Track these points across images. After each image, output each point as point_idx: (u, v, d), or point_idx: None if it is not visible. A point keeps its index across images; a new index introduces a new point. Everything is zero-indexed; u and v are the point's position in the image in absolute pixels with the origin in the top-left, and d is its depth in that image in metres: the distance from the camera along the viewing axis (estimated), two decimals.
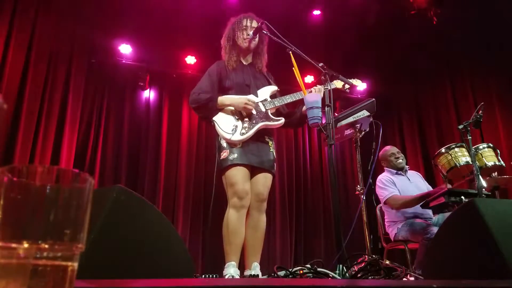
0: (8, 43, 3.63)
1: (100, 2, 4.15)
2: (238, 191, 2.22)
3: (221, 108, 2.36)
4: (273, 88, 2.51)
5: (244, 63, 2.55)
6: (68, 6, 4.12)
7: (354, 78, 2.66)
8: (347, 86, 2.45)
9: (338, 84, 2.44)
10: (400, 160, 3.36)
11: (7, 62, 3.58)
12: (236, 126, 2.30)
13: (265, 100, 2.42)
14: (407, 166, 3.43)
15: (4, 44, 3.59)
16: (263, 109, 2.38)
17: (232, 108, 2.34)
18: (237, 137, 2.26)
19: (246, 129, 2.29)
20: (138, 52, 4.70)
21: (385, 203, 3.21)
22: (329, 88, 2.01)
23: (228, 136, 2.26)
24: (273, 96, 2.48)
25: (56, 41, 4.09)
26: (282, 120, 2.39)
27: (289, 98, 2.42)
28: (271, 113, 2.40)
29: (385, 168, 3.44)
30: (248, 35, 2.45)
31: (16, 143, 3.51)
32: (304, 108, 2.45)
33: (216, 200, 2.35)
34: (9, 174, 0.38)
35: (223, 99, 2.36)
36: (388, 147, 3.49)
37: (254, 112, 2.35)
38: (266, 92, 2.46)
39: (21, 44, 3.73)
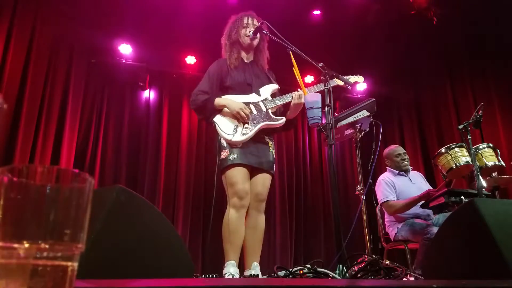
0: (8, 43, 3.62)
1: (100, 2, 4.14)
2: (238, 191, 2.22)
3: (219, 109, 2.36)
4: (274, 86, 2.50)
5: (246, 61, 2.54)
6: (68, 6, 4.11)
7: (356, 75, 2.67)
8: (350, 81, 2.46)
9: (339, 81, 2.43)
10: (406, 162, 3.35)
11: (7, 62, 3.57)
12: (237, 127, 2.29)
13: (266, 99, 2.41)
14: (410, 167, 3.43)
15: (4, 44, 3.59)
16: (264, 109, 2.37)
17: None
18: (238, 137, 2.26)
19: (247, 129, 2.28)
20: (138, 52, 4.70)
21: (380, 205, 3.23)
22: (329, 87, 2.00)
23: (229, 137, 2.26)
24: (273, 95, 2.48)
25: (56, 41, 4.09)
26: (283, 120, 2.38)
27: (289, 97, 2.41)
28: (272, 112, 2.39)
29: (387, 167, 3.43)
30: (250, 31, 2.45)
31: (16, 143, 3.51)
32: (288, 113, 2.46)
33: (217, 200, 2.35)
34: (9, 174, 0.38)
35: (220, 100, 2.35)
36: (394, 146, 3.47)
37: (254, 112, 2.34)
38: (267, 91, 2.45)
39: (21, 44, 3.73)
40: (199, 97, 2.35)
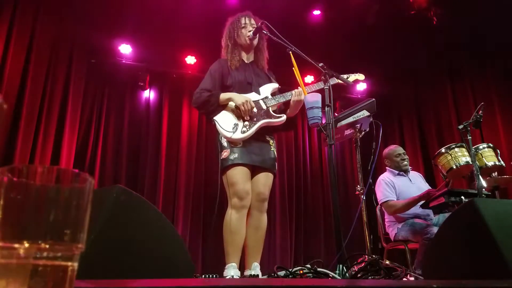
0: (8, 43, 3.63)
1: (100, 2, 4.14)
2: (238, 191, 2.21)
3: (223, 104, 2.35)
4: (274, 85, 2.51)
5: (246, 61, 2.55)
6: (68, 6, 4.11)
7: (357, 73, 2.67)
8: (350, 79, 2.47)
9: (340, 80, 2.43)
10: (406, 162, 3.34)
11: (7, 62, 3.57)
12: (237, 124, 2.29)
13: (266, 97, 2.41)
14: (410, 167, 3.43)
15: (4, 44, 3.59)
16: (264, 107, 2.37)
17: (233, 107, 2.33)
18: (238, 135, 2.25)
19: (247, 127, 2.28)
20: (138, 52, 4.70)
21: (380, 205, 3.23)
22: (329, 87, 2.00)
23: (229, 135, 2.25)
24: (273, 93, 2.48)
25: (56, 41, 4.09)
26: (283, 117, 2.38)
27: (289, 95, 2.42)
28: (272, 111, 2.39)
29: (387, 168, 3.43)
30: (250, 31, 2.45)
31: (16, 143, 3.51)
32: (288, 111, 2.46)
33: (219, 200, 2.35)
34: (9, 174, 0.38)
35: (225, 94, 2.34)
36: (393, 147, 3.47)
37: (255, 110, 2.34)
38: (267, 89, 2.46)
39: (21, 44, 3.73)
40: (202, 94, 2.35)
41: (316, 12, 4.70)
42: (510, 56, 4.16)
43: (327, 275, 1.53)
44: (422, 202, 2.96)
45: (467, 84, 4.66)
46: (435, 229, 2.80)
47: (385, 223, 3.32)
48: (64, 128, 4.02)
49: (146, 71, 4.74)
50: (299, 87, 2.37)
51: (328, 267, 1.63)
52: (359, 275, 1.57)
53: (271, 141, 2.44)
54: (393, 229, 3.19)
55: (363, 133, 2.53)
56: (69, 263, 0.40)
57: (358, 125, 2.49)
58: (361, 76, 2.66)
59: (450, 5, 4.31)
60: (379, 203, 3.23)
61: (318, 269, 1.57)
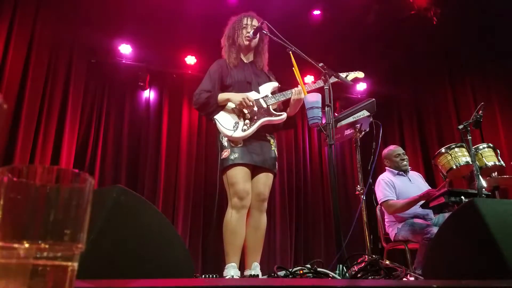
0: (8, 43, 3.63)
1: (100, 2, 4.14)
2: (238, 191, 2.21)
3: (223, 105, 2.35)
4: (274, 84, 2.51)
5: (245, 61, 2.55)
6: (68, 6, 4.12)
7: (356, 71, 2.67)
8: (350, 77, 2.47)
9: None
10: (405, 162, 3.34)
11: (7, 62, 3.57)
12: (238, 123, 2.29)
13: (266, 96, 2.41)
14: (409, 167, 3.43)
15: (4, 44, 3.59)
16: (265, 105, 2.37)
17: (233, 106, 2.33)
18: (238, 133, 2.25)
19: (248, 125, 2.27)
20: (138, 52, 4.70)
21: (380, 205, 3.23)
22: (329, 87, 2.00)
23: (229, 133, 2.25)
24: (273, 92, 2.48)
25: (56, 41, 4.09)
26: (284, 115, 2.38)
27: (289, 94, 2.42)
28: (273, 109, 2.39)
29: (386, 168, 3.43)
30: (248, 33, 2.45)
31: (16, 143, 3.51)
32: (288, 110, 2.46)
33: (219, 200, 2.35)
34: (9, 174, 0.38)
35: (223, 94, 2.35)
36: (393, 147, 3.47)
37: (255, 108, 2.34)
38: (267, 88, 2.46)
39: (21, 44, 3.73)
40: (202, 95, 2.35)
41: (316, 12, 4.70)
42: (510, 56, 4.16)
43: (327, 275, 1.54)
44: (422, 202, 2.96)
45: (467, 84, 4.66)
46: (435, 229, 2.80)
47: (385, 223, 3.32)
48: (64, 128, 4.02)
49: (146, 71, 4.74)
50: (299, 86, 2.37)
51: (328, 267, 1.63)
52: (359, 275, 1.57)
53: (272, 140, 2.44)
54: (393, 229, 3.19)
55: (363, 133, 2.53)
56: (69, 263, 0.40)
57: (358, 125, 2.49)
58: (360, 74, 2.66)
59: (450, 5, 4.31)
60: (379, 203, 3.23)
61: (318, 269, 1.57)
